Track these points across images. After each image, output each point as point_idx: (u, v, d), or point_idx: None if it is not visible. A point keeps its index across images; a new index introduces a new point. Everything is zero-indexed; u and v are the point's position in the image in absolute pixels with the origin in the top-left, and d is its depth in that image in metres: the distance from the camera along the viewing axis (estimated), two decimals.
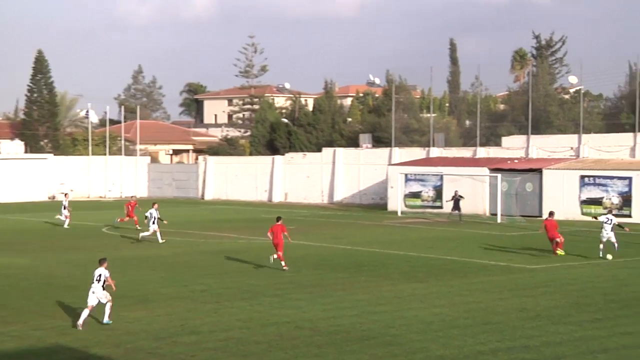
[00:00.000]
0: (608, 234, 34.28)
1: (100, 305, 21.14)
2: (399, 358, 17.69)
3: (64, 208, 48.39)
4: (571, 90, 76.89)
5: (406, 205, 59.40)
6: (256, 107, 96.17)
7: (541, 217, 53.32)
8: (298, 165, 72.23)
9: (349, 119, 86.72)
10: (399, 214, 56.96)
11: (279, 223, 30.77)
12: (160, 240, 39.28)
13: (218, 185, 76.39)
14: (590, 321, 21.35)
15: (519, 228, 47.71)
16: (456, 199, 51.80)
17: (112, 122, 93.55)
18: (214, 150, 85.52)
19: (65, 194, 51.32)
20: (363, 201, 67.26)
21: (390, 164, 64.39)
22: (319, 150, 73.17)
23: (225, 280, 28.23)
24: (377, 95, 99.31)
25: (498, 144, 65.55)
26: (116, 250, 36.84)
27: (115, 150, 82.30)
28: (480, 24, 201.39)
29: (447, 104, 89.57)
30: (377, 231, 45.58)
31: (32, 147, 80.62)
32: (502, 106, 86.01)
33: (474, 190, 56.91)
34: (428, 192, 59.23)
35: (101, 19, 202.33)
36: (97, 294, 21.02)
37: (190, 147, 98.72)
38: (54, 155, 78.24)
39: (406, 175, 59.94)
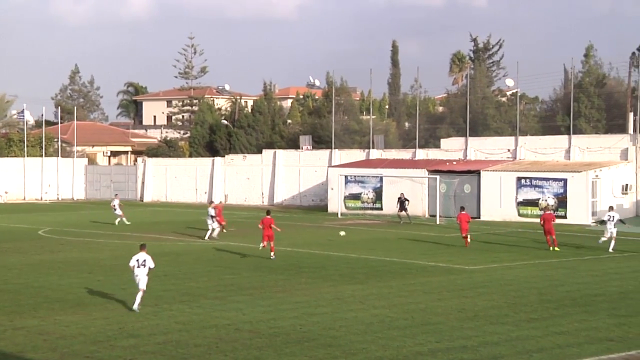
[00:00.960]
0: (611, 229, 36.80)
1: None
2: (338, 359, 17.74)
3: (115, 209, 50.24)
4: (508, 93, 78.07)
5: (346, 207, 59.61)
6: (196, 108, 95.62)
7: (479, 218, 54.03)
8: (238, 167, 72.00)
9: (289, 121, 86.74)
10: (339, 215, 57.15)
11: (269, 216, 34.44)
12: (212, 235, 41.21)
13: (157, 187, 75.73)
14: (526, 321, 21.66)
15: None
16: (402, 201, 52.22)
17: (49, 123, 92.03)
18: (153, 151, 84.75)
19: (116, 195, 54.49)
20: (303, 203, 67.34)
21: (330, 166, 64.54)
22: (259, 152, 73.04)
23: (164, 282, 27.99)
24: (317, 97, 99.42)
25: (437, 145, 66.14)
26: (53, 253, 36.27)
27: (52, 152, 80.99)
28: (420, 26, 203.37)
29: (387, 106, 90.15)
30: (317, 233, 45.63)
31: None
32: (440, 108, 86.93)
33: (413, 192, 57.34)
34: (368, 194, 59.52)
35: (36, 18, 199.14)
36: (141, 278, 23.07)
37: (128, 148, 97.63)
38: None
39: (346, 176, 60.14)
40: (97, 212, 62.30)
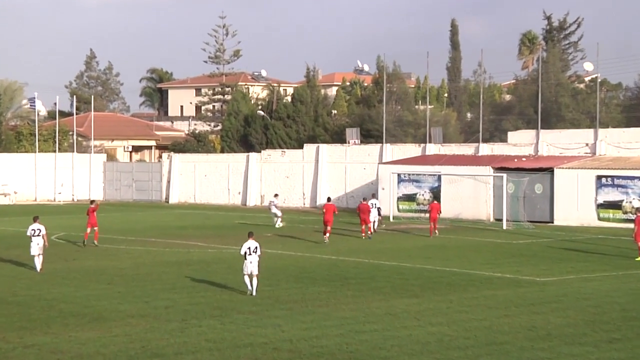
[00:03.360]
0: None
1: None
2: None
3: (271, 209, 52.03)
4: (586, 79, 77.29)
5: (399, 210, 59.51)
6: (228, 97, 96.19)
7: (552, 222, 53.62)
8: (276, 163, 72.26)
9: (334, 111, 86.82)
10: (391, 219, 57.08)
11: (330, 203, 44.44)
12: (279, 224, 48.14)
13: (184, 187, 76.27)
14: (607, 341, 21.47)
15: (527, 235, 47.90)
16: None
17: (63, 114, 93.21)
18: (180, 146, 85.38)
19: (276, 195, 56.19)
20: (350, 204, 67.32)
21: (381, 163, 64.50)
22: (300, 147, 73.18)
23: (192, 295, 28.18)
24: (366, 85, 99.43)
25: (503, 139, 65.71)
26: (67, 261, 36.73)
27: (66, 147, 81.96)
28: (484, 3, 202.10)
29: (445, 95, 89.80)
30: (366, 240, 45.61)
31: None
32: (508, 97, 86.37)
33: (476, 193, 57.07)
34: (424, 195, 59.37)
35: None
36: (254, 264, 28.05)
37: (152, 143, 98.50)
38: None
39: (399, 175, 60.05)
40: (116, 214, 62.92)
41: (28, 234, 34.07)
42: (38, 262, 33.74)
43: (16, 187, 75.57)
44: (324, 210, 44.30)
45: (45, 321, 23.89)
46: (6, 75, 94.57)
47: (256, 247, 28.32)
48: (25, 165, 77.40)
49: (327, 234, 43.39)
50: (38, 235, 33.88)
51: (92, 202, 45.43)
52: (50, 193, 77.52)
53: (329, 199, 47.18)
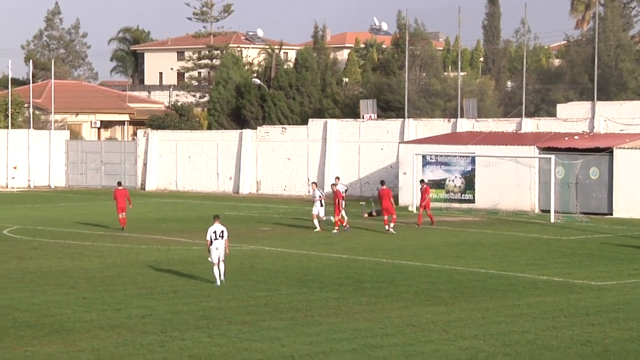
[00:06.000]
0: None
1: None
2: None
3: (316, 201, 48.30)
4: None
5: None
6: (217, 62, 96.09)
7: (611, 214, 53.52)
8: (275, 142, 72.25)
9: (346, 79, 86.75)
10: (414, 209, 57.04)
11: (385, 187, 46.11)
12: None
13: (164, 171, 76.32)
14: None
15: (580, 230, 47.85)
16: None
17: (17, 82, 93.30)
18: (159, 122, 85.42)
19: (315, 183, 53.27)
20: (365, 192, 67.34)
21: (402, 142, 64.42)
22: (305, 123, 73.15)
23: (174, 301, 28.21)
24: (384, 47, 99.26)
25: (552, 113, 65.58)
26: (22, 260, 36.79)
27: (21, 122, 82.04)
28: None
29: (481, 59, 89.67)
30: (384, 234, 45.67)
31: None
32: (557, 62, 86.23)
33: (517, 178, 56.96)
34: (454, 181, 59.31)
35: None
36: (220, 251, 30.21)
37: (125, 117, 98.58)
38: None
39: (424, 156, 59.96)
40: (81, 204, 63.01)
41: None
42: None
43: None
44: (380, 196, 46.20)
45: None
46: None
47: (222, 232, 30.33)
48: None
49: (392, 223, 45.47)
50: None
51: (119, 184, 49.42)
52: (2, 178, 77.61)
53: (382, 183, 48.15)
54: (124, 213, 46.34)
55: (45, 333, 23.94)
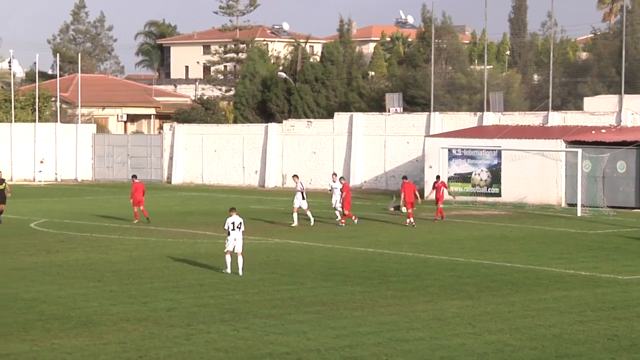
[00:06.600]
0: None
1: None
2: None
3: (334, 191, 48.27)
4: None
5: (450, 193, 59.35)
6: (243, 56, 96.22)
7: (638, 208, 53.30)
8: (301, 136, 72.28)
9: (372, 73, 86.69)
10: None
11: (408, 181, 47.18)
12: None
13: (190, 164, 76.50)
14: None
15: (607, 224, 47.69)
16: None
17: (44, 76, 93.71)
18: (185, 115, 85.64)
19: (296, 176, 49.53)
20: (390, 186, 67.33)
21: (428, 135, 64.36)
22: (330, 116, 73.15)
23: (200, 295, 28.29)
24: (410, 40, 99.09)
25: (579, 107, 65.32)
26: (49, 253, 36.94)
27: (48, 116, 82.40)
28: None
29: (507, 52, 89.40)
30: (409, 228, 45.66)
31: None
32: (584, 55, 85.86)
33: (544, 172, 56.81)
34: (480, 174, 59.22)
35: None
36: (238, 242, 31.20)
37: (151, 111, 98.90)
38: None
39: (450, 150, 59.89)
40: (108, 197, 63.25)
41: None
42: None
43: None
44: (403, 191, 46.95)
45: (22, 325, 24.06)
46: None
47: (240, 223, 31.45)
48: None
49: (411, 218, 45.90)
50: None
51: (134, 177, 49.68)
52: (29, 171, 77.98)
53: (405, 177, 48.80)
54: (140, 207, 46.90)
55: (72, 326, 24.06)
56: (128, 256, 36.31)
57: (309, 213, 46.48)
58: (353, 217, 46.56)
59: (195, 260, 35.03)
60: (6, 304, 26.90)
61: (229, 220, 31.44)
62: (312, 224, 45.97)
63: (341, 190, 47.05)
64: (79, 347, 21.83)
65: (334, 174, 51.51)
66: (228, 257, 31.62)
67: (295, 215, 46.14)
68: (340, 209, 47.09)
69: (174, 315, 25.42)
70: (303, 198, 46.68)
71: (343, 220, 46.54)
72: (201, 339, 22.67)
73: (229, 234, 31.50)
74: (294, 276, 31.49)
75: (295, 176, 49.35)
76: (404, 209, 48.18)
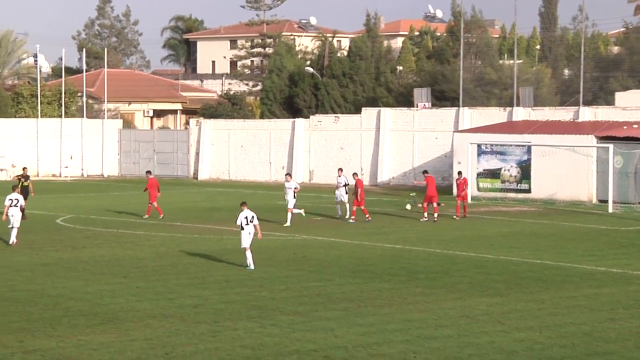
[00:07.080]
0: None
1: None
2: None
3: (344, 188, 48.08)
4: None
5: (479, 189, 59.27)
6: (270, 51, 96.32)
7: None
8: (328, 131, 72.29)
9: (400, 68, 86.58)
10: (469, 200, 56.90)
11: (429, 174, 47.70)
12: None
13: (217, 160, 76.62)
14: None
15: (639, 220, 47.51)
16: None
17: (70, 71, 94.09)
18: (211, 111, 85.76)
19: (289, 174, 50.09)
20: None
21: (457, 131, 64.23)
22: (358, 112, 73.11)
23: (226, 291, 28.36)
24: (438, 35, 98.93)
25: (610, 102, 65.08)
26: (76, 249, 37.13)
27: (74, 111, 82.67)
28: None
29: (537, 47, 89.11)
30: (437, 224, 45.60)
31: None
32: (616, 49, 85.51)
33: (574, 168, 56.60)
34: (510, 170, 59.05)
35: None
36: (252, 235, 31.80)
37: (178, 106, 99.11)
38: None
39: (479, 146, 59.75)
40: (134, 193, 63.38)
41: (6, 203, 37.97)
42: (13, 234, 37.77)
43: (14, 159, 76.40)
44: (427, 184, 47.35)
45: (49, 322, 24.19)
46: (1, 25, 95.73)
47: (253, 217, 32.06)
48: (24, 133, 78.20)
49: (426, 213, 46.53)
50: (15, 206, 37.92)
51: (148, 172, 50.02)
52: (55, 167, 78.31)
53: (425, 172, 49.31)
54: (154, 203, 47.44)
55: (99, 322, 24.17)
56: (154, 252, 36.44)
57: (289, 215, 45.59)
58: (367, 215, 46.18)
59: (222, 256, 35.12)
60: (33, 300, 27.04)
61: (242, 215, 31.97)
62: (344, 216, 46.95)
63: (347, 185, 47.37)
64: (105, 344, 21.93)
65: (340, 169, 50.90)
66: (249, 253, 32.09)
67: (289, 215, 45.17)
68: (348, 205, 47.01)
69: (200, 311, 25.50)
70: (294, 197, 45.95)
71: (353, 217, 46.51)
72: (227, 336, 22.72)
73: (242, 229, 31.99)
74: (321, 273, 31.51)
75: (288, 175, 49.41)
76: (419, 205, 47.94)
